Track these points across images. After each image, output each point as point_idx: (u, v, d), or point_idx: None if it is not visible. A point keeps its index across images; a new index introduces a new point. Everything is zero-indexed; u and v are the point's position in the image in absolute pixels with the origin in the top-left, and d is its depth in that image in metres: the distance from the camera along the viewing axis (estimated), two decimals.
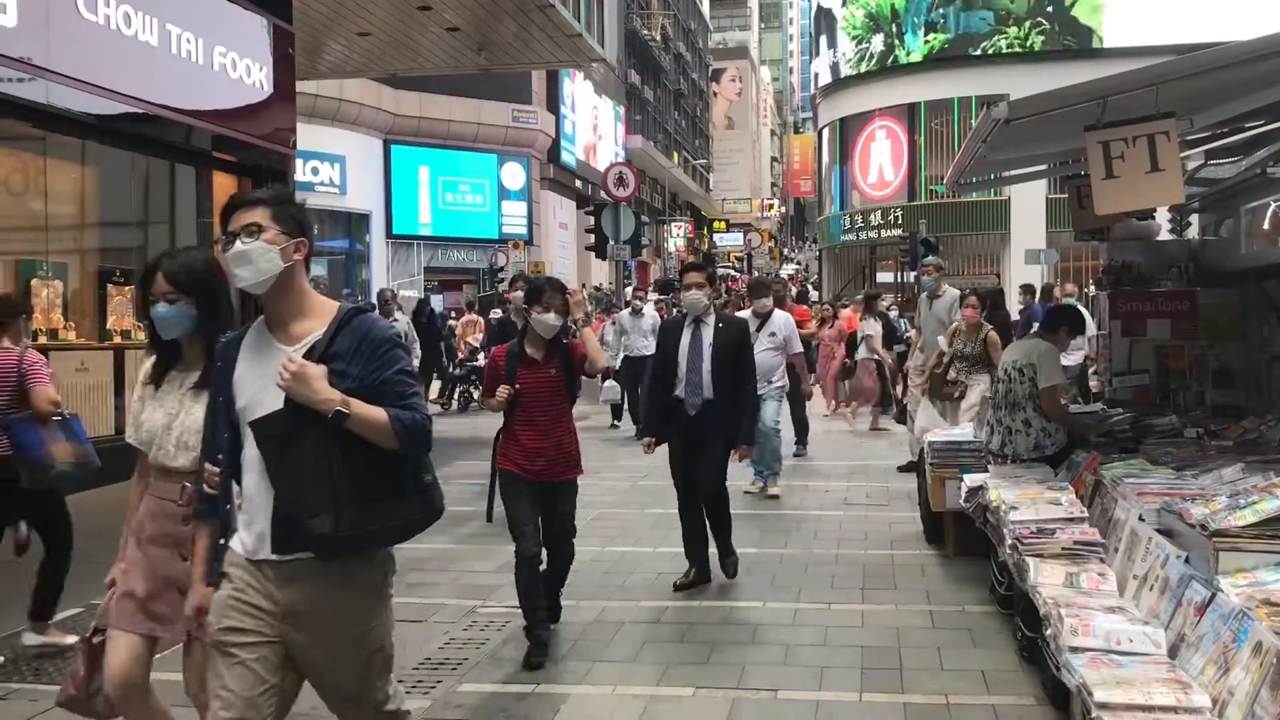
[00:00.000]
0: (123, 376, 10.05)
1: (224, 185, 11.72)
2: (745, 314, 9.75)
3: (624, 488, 10.07)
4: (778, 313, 9.62)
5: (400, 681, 4.86)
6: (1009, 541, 5.16)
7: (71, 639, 5.24)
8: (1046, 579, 4.58)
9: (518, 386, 5.35)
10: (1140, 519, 4.65)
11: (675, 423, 6.47)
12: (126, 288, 10.73)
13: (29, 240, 9.82)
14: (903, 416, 12.69)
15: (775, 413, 9.31)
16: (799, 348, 9.83)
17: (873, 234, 36.53)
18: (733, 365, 6.39)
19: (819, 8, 44.52)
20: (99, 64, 8.80)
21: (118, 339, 9.69)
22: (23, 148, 9.72)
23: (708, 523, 6.63)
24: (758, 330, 9.14)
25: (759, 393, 7.72)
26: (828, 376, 16.01)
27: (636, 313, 14.60)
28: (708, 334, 6.48)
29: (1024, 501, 5.38)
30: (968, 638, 5.54)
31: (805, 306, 21.69)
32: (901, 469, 10.48)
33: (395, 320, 11.73)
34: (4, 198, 9.94)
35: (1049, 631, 4.24)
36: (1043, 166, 8.53)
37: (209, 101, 10.42)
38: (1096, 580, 4.50)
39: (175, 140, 10.32)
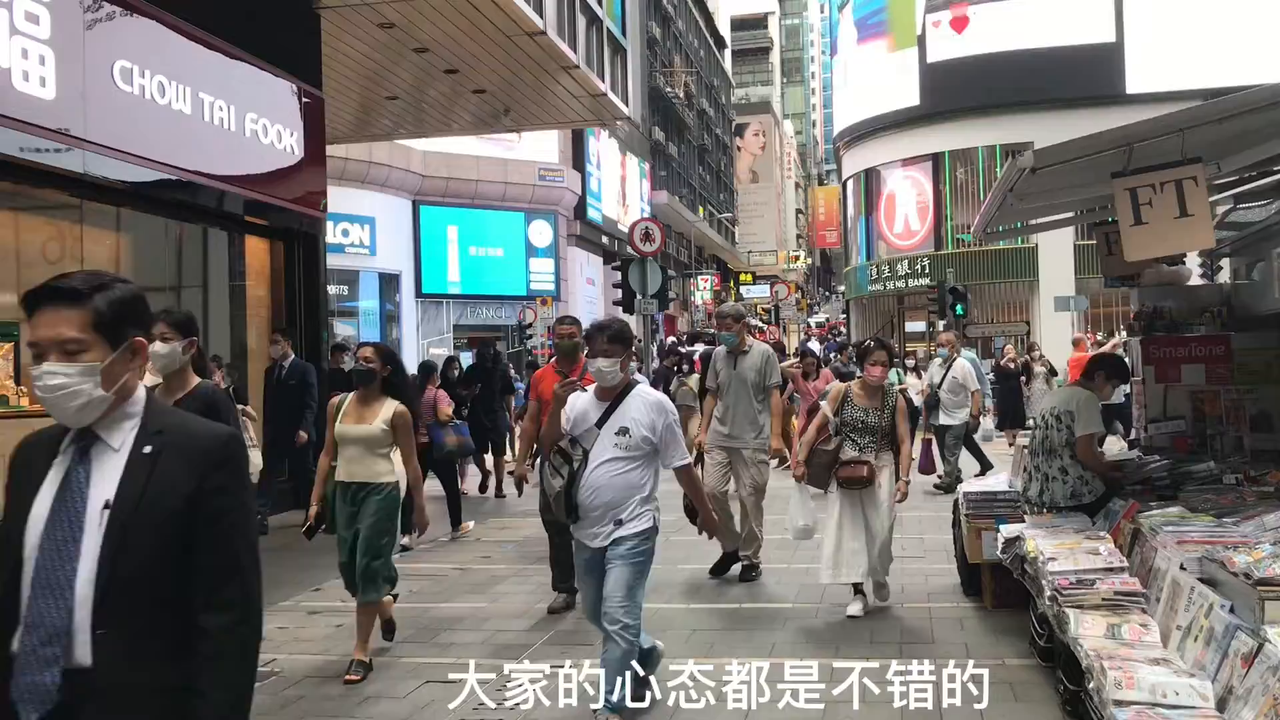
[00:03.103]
0: None
1: (256, 249, 11.90)
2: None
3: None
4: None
5: None
6: (1048, 593, 5.08)
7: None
8: (1088, 630, 4.51)
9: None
10: (1182, 568, 4.58)
11: None
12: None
13: None
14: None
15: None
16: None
17: (900, 283, 36.51)
18: None
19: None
20: (134, 133, 8.98)
21: None
22: (60, 216, 9.90)
23: None
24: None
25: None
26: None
27: None
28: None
29: (1062, 552, 5.31)
30: (1009, 692, 5.43)
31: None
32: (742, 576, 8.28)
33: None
34: (41, 265, 10.11)
35: (1092, 685, 4.17)
36: (1070, 214, 8.52)
37: (241, 167, 10.61)
38: (1139, 631, 4.42)
39: (208, 205, 10.50)
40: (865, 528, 6.93)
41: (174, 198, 10.04)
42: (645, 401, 4.96)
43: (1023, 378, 18.20)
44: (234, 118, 10.27)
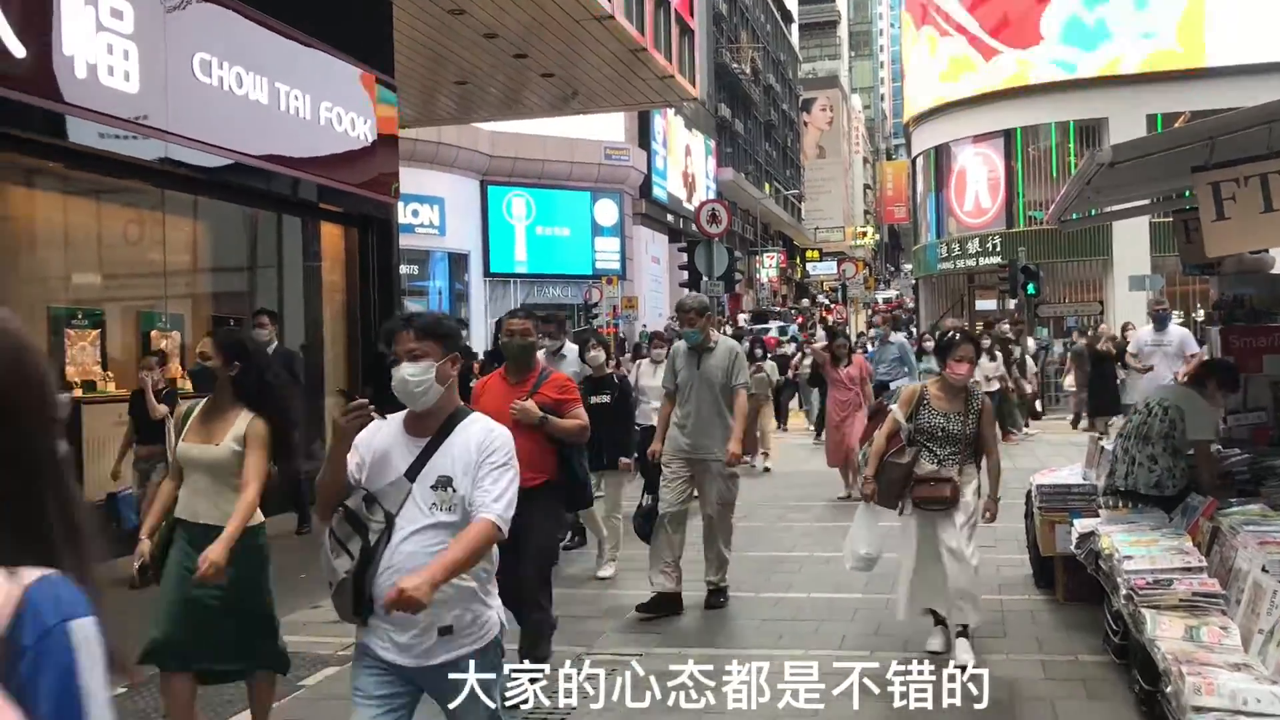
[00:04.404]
0: None
1: (331, 234, 12.10)
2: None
3: None
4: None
5: None
6: (1124, 591, 5.04)
7: None
8: (1165, 632, 4.47)
9: None
10: (1264, 570, 4.51)
11: None
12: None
13: (148, 287, 10.24)
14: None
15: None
16: None
17: (970, 262, 35.97)
18: None
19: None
20: (213, 123, 9.17)
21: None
22: (140, 201, 10.16)
23: None
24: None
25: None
26: (847, 437, 11.04)
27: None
28: None
29: (1139, 549, 5.25)
30: (1082, 689, 5.40)
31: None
32: None
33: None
34: (125, 250, 10.40)
35: (1169, 689, 4.13)
36: (1147, 201, 8.36)
37: (315, 154, 10.78)
38: (1218, 634, 4.37)
39: (283, 192, 10.69)
40: (944, 557, 5.78)
41: (250, 185, 10.24)
42: (478, 438, 3.22)
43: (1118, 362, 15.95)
44: (309, 106, 10.43)
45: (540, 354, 9.21)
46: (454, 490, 3.15)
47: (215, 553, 4.09)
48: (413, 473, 3.17)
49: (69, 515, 1.22)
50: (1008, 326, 20.33)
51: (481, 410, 5.06)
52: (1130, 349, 11.74)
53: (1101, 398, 15.34)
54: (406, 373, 3.16)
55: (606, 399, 8.06)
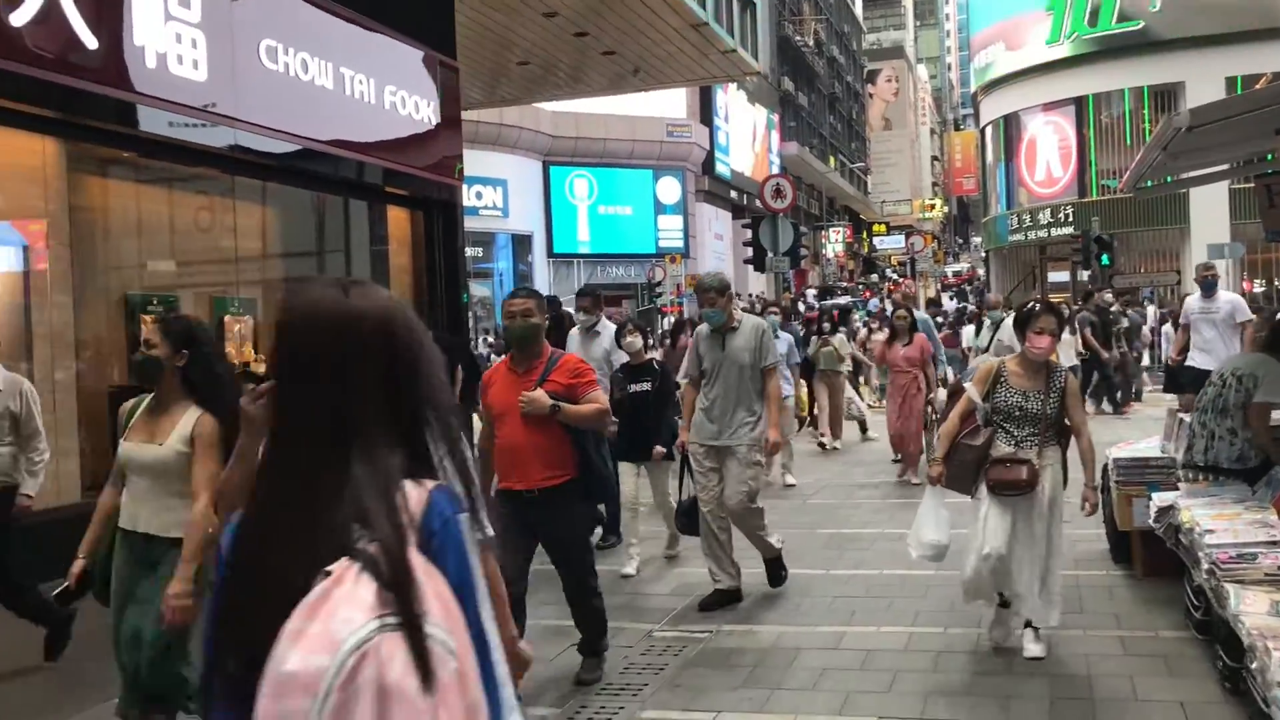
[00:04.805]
0: None
1: (397, 218, 12.21)
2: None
3: (791, 506, 10.00)
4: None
5: (584, 707, 4.97)
6: (1205, 565, 4.93)
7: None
8: (1249, 607, 4.36)
9: None
10: None
11: None
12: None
13: (220, 273, 10.42)
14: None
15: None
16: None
17: (1042, 233, 35.35)
18: None
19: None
20: (280, 109, 9.27)
21: None
22: (212, 189, 10.33)
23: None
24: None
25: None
26: (906, 417, 10.82)
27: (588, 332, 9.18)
28: None
29: (1221, 523, 5.13)
30: (1162, 665, 5.29)
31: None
32: None
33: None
34: (197, 237, 10.58)
35: (1254, 665, 4.03)
36: (1225, 166, 8.12)
37: (380, 138, 10.87)
38: None
39: (349, 176, 10.80)
40: (1023, 543, 5.39)
41: (317, 170, 10.34)
42: None
43: None
44: (373, 90, 10.50)
45: (574, 331, 9.18)
46: None
47: (176, 589, 3.64)
48: None
49: (453, 444, 1.68)
50: (1110, 296, 19.55)
51: (488, 404, 5.15)
52: (1180, 319, 11.33)
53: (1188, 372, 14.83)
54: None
55: (647, 386, 7.78)
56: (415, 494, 1.57)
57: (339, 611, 1.38)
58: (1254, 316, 10.75)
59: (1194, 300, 10.59)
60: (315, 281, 1.69)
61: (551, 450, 4.92)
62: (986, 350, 11.32)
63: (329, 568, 1.43)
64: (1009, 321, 11.11)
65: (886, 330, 12.19)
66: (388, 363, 1.62)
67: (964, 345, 16.16)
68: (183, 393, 3.93)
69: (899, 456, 11.47)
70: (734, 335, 6.66)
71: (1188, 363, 10.09)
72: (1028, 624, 5.51)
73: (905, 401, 10.77)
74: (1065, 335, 12.74)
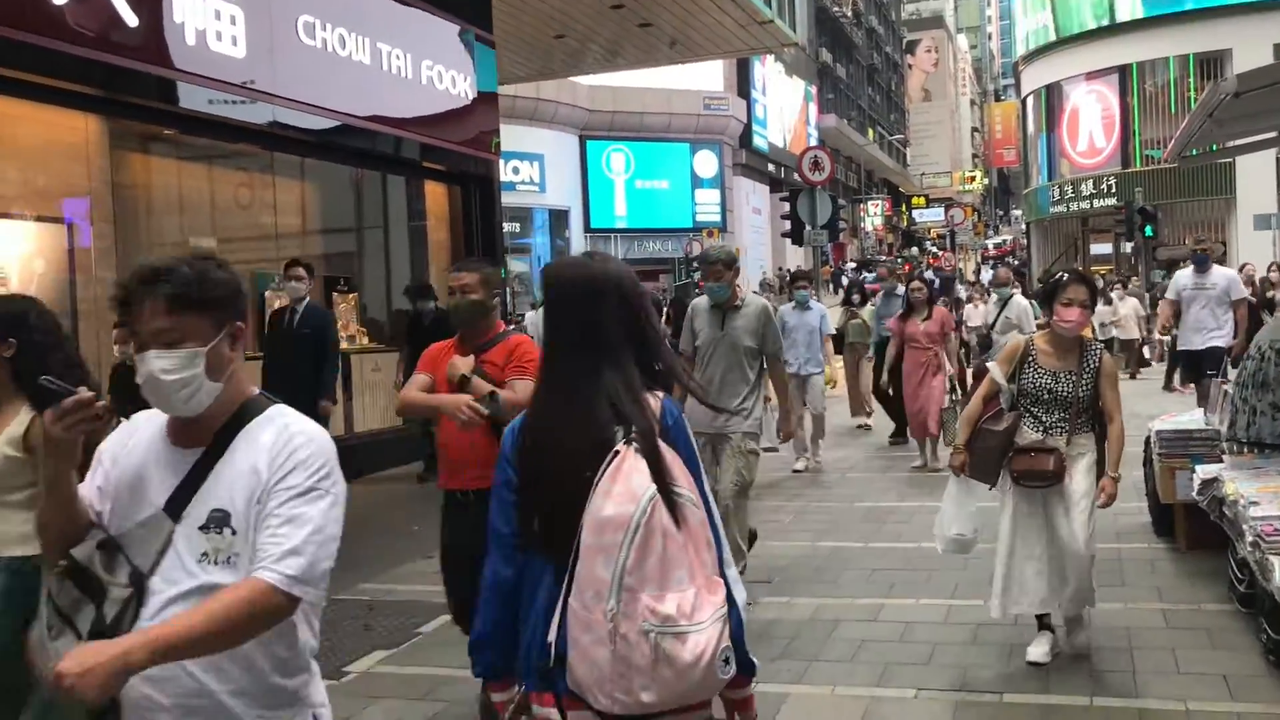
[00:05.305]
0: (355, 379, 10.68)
1: (435, 192, 12.26)
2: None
3: (829, 479, 9.98)
4: None
5: None
6: (1250, 538, 4.86)
7: None
8: None
9: None
10: None
11: None
12: (350, 295, 11.35)
13: (261, 250, 10.52)
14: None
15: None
16: None
17: (1084, 204, 34.86)
18: None
19: None
20: (318, 85, 9.33)
21: (344, 345, 10.18)
22: (251, 166, 10.41)
23: None
24: None
25: None
26: (924, 405, 10.05)
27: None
28: None
29: (1265, 495, 5.06)
30: (1205, 638, 5.24)
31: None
32: None
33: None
34: (237, 214, 10.69)
35: None
36: (1274, 133, 7.97)
37: (417, 113, 10.91)
38: None
39: (387, 151, 10.85)
40: (1051, 540, 4.94)
41: (355, 146, 10.41)
42: (270, 448, 2.10)
43: (1264, 310, 14.25)
44: (410, 65, 10.54)
45: (530, 313, 8.32)
46: (232, 533, 2.06)
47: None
48: (175, 506, 2.08)
49: (668, 364, 2.36)
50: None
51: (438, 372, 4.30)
52: (1168, 294, 10.18)
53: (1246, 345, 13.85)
54: (156, 367, 2.05)
55: None
56: (652, 401, 2.25)
57: (632, 478, 2.08)
58: (1248, 294, 10.39)
59: (1186, 275, 9.88)
60: (571, 256, 2.38)
61: (489, 447, 3.86)
62: (993, 329, 10.52)
63: (616, 448, 2.12)
64: (1018, 298, 10.80)
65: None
66: (622, 306, 2.29)
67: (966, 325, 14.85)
68: (13, 389, 3.31)
69: (895, 435, 11.29)
70: (735, 315, 6.15)
71: (1180, 346, 9.57)
72: (1041, 624, 5.09)
73: (924, 380, 10.06)
74: (1099, 306, 12.21)
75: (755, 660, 2.28)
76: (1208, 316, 9.53)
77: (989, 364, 5.46)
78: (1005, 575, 4.98)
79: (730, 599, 2.17)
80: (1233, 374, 6.73)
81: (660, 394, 2.28)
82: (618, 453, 2.11)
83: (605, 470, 2.09)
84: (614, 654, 2.03)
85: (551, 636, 2.14)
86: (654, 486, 2.06)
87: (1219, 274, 9.77)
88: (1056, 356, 4.97)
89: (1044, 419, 4.96)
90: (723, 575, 2.20)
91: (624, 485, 2.07)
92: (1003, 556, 4.99)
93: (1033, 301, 10.52)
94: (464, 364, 4.15)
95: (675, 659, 2.02)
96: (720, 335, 6.11)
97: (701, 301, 6.34)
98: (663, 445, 2.15)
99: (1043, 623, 5.07)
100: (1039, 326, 7.85)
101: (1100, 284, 15.01)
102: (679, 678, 2.04)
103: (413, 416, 4.15)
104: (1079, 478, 4.91)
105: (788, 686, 4.88)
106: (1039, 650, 4.98)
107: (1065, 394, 4.93)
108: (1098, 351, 5.06)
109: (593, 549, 2.06)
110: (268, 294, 9.99)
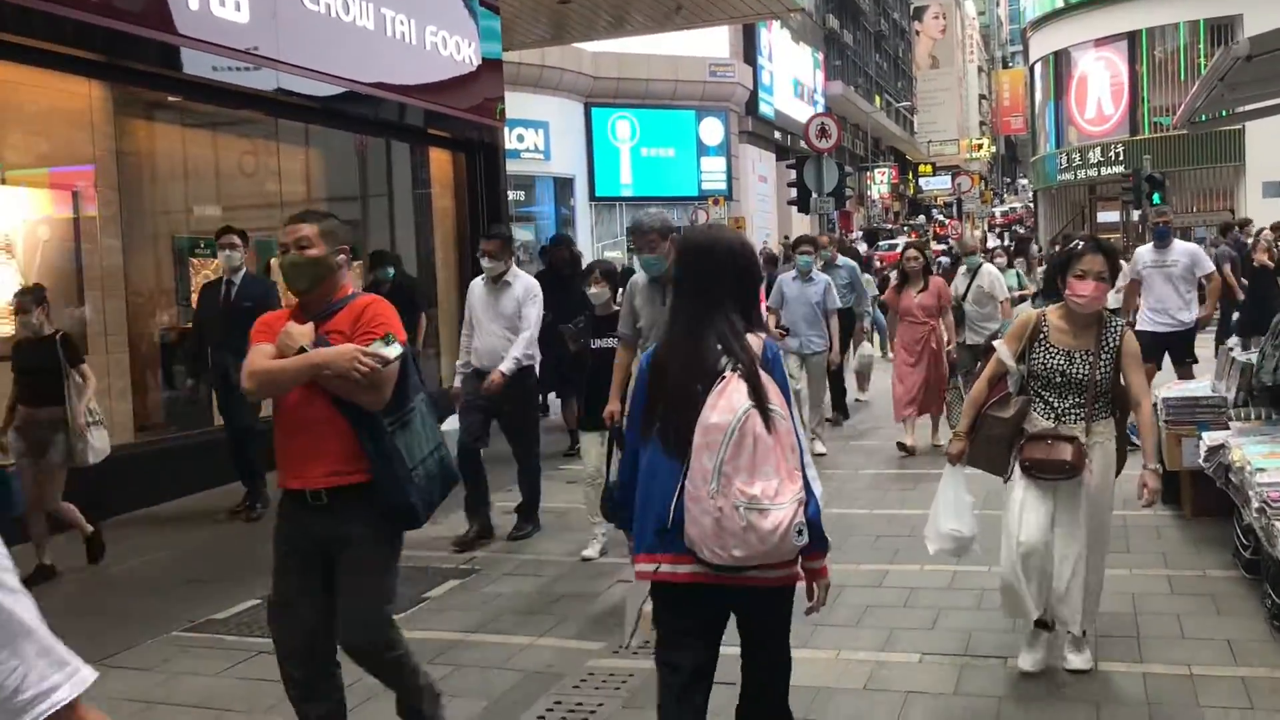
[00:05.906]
0: None
1: (439, 159, 12.21)
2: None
3: (834, 448, 9.98)
4: None
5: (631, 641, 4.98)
6: (1256, 504, 4.87)
7: None
8: None
9: None
10: None
11: None
12: (355, 263, 11.32)
13: (265, 217, 10.49)
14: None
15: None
16: None
17: (1092, 172, 34.70)
18: None
19: None
20: (322, 51, 9.28)
21: None
22: (256, 133, 10.37)
23: None
24: None
25: None
26: (916, 384, 9.35)
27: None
28: None
29: (1272, 462, 5.06)
30: (1210, 604, 5.26)
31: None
32: None
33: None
34: (242, 181, 10.65)
35: None
36: None
37: (422, 80, 10.85)
38: None
39: (391, 118, 10.80)
40: (1061, 538, 4.44)
41: (360, 112, 10.37)
42: None
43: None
44: (415, 31, 10.48)
45: (477, 282, 6.89)
46: None
47: None
48: None
49: (754, 317, 3.03)
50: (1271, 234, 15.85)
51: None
52: (1128, 272, 9.19)
53: (1256, 317, 12.56)
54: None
55: (613, 343, 6.13)
56: (754, 340, 2.92)
57: (733, 396, 2.77)
58: (1214, 270, 9.72)
59: (1145, 251, 9.23)
60: (699, 225, 3.04)
61: (330, 438, 3.41)
62: (964, 300, 9.84)
63: (724, 375, 2.82)
64: (988, 267, 10.27)
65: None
66: (732, 264, 3.01)
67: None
68: None
69: (912, 449, 9.43)
70: None
71: (1139, 327, 8.71)
72: (1039, 626, 4.52)
73: (920, 358, 9.30)
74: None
75: (829, 537, 3.03)
76: (1171, 295, 8.90)
77: (996, 342, 5.04)
78: (1012, 565, 4.43)
79: (809, 490, 2.88)
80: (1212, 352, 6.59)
81: (762, 335, 2.96)
82: (724, 377, 2.82)
83: (714, 389, 2.80)
84: (715, 521, 2.73)
85: (670, 508, 2.86)
86: (750, 403, 2.75)
87: (1180, 249, 9.12)
88: (1071, 334, 4.42)
89: (1056, 405, 4.43)
90: (803, 472, 2.86)
91: (726, 401, 2.77)
92: (1009, 552, 4.46)
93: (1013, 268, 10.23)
94: (302, 333, 3.37)
95: (758, 527, 2.71)
96: (661, 313, 5.10)
97: (639, 277, 5.67)
98: (762, 373, 2.84)
99: (1042, 624, 4.52)
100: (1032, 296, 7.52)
101: None
102: (761, 541, 2.74)
103: (266, 396, 3.52)
104: (1096, 469, 4.40)
105: (793, 650, 4.89)
106: (1030, 658, 4.54)
107: (1080, 376, 4.37)
108: (1119, 329, 4.46)
109: (701, 446, 2.76)
110: (272, 262, 9.97)
